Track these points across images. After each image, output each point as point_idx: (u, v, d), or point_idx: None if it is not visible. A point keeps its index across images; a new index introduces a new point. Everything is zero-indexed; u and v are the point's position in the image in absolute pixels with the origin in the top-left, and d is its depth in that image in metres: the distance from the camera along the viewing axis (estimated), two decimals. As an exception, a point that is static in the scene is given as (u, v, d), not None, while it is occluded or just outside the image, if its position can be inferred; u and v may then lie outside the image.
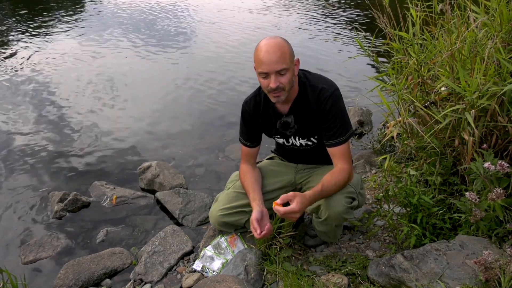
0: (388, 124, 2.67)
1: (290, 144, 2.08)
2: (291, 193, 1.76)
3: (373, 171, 2.94)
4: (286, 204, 1.77)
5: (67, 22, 7.39)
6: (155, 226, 2.65)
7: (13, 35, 6.64)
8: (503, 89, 1.81)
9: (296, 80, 1.90)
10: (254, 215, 1.90)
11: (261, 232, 1.87)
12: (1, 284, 1.99)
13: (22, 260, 2.39)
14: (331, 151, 1.94)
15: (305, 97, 1.92)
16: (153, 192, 2.98)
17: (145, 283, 2.16)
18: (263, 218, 1.92)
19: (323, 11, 8.00)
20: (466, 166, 1.95)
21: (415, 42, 2.35)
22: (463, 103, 1.93)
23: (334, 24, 7.10)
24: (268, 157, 2.35)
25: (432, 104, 2.29)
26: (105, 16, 7.86)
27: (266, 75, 1.79)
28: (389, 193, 2.14)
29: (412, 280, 1.66)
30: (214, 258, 2.14)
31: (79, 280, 2.16)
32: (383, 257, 1.88)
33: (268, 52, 1.76)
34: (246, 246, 2.15)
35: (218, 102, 4.35)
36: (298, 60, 1.88)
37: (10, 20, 7.58)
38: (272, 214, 2.01)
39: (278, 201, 1.76)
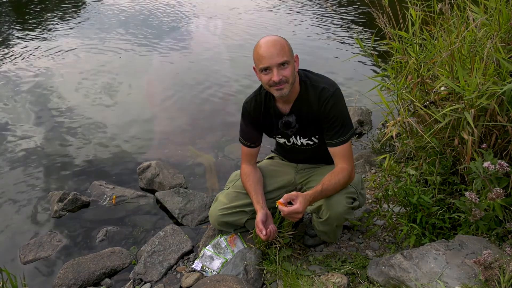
0: (387, 124, 2.67)
1: (291, 143, 2.08)
2: (294, 192, 1.78)
3: (373, 171, 2.94)
4: (288, 203, 1.78)
5: (67, 20, 7.38)
6: (155, 226, 2.65)
7: (11, 34, 6.63)
8: (502, 88, 1.81)
9: (297, 79, 1.91)
10: (259, 217, 1.91)
11: (267, 233, 1.88)
12: (1, 284, 1.99)
13: (22, 260, 2.39)
14: (332, 150, 1.94)
15: (306, 97, 1.92)
16: (152, 191, 2.98)
17: (145, 283, 2.16)
18: (267, 220, 1.93)
19: (322, 11, 8.00)
20: (465, 166, 1.95)
21: (415, 41, 2.35)
22: (462, 103, 1.93)
23: (334, 23, 7.10)
24: (268, 156, 2.35)
25: (432, 104, 2.30)
26: (109, 13, 7.85)
27: (267, 70, 1.79)
28: (389, 192, 2.14)
29: (412, 280, 1.66)
30: (213, 258, 2.14)
31: (79, 280, 2.16)
32: (383, 257, 1.88)
33: (268, 47, 1.77)
34: (245, 246, 2.15)
35: (218, 102, 4.35)
36: (297, 56, 1.88)
37: (9, 19, 7.57)
38: (272, 214, 2.01)
39: (282, 200, 1.77)
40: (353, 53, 5.20)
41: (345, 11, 7.82)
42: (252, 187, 2.04)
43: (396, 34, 2.45)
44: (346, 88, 4.40)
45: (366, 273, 1.87)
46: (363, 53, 2.85)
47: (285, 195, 1.78)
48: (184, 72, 5.14)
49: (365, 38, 5.87)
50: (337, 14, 7.68)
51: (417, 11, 2.33)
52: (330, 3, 8.50)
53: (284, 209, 1.76)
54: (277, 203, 1.78)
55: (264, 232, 1.87)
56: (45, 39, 6.42)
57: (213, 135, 3.71)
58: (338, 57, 5.53)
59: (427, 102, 2.31)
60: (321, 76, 1.97)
